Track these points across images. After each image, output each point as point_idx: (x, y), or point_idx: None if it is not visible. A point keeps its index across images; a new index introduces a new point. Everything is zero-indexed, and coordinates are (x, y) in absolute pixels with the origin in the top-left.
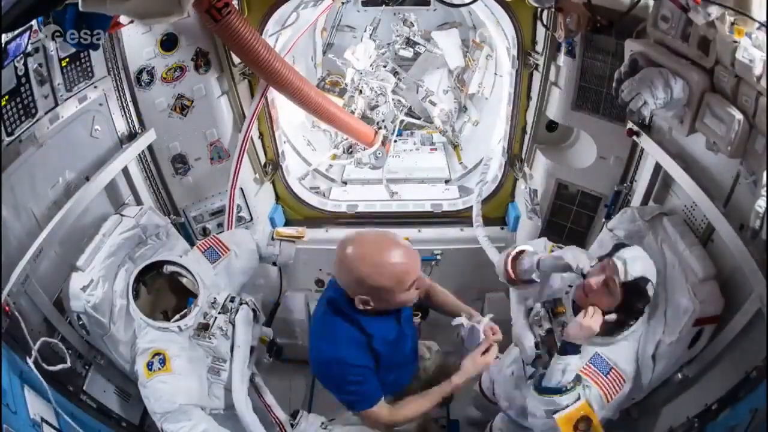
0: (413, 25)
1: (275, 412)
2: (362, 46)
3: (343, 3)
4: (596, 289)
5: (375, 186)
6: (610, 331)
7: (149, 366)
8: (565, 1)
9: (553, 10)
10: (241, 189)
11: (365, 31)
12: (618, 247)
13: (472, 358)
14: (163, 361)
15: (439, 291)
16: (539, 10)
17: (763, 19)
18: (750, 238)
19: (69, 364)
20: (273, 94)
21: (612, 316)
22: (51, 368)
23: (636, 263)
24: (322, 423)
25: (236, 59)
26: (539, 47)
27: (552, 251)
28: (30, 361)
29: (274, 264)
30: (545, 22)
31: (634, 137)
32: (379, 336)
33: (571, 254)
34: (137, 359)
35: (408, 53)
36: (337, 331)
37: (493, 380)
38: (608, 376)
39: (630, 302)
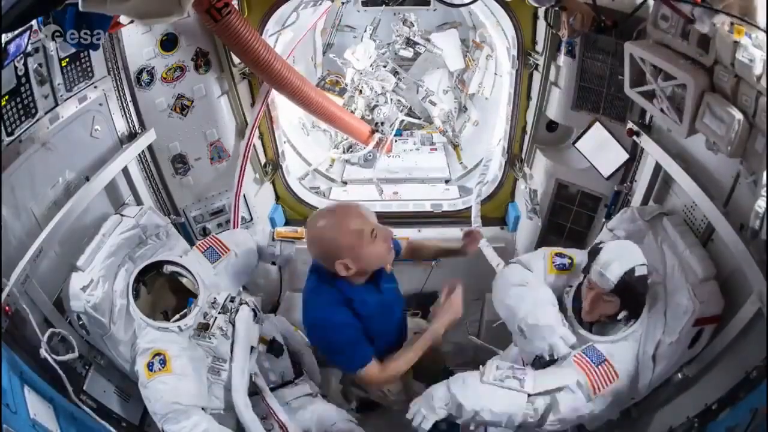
0: (413, 25)
1: (278, 414)
2: (362, 47)
3: (343, 3)
4: (595, 307)
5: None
6: (614, 328)
7: (149, 367)
8: (569, 0)
9: (556, 9)
10: (242, 189)
11: (365, 31)
12: (591, 254)
13: (441, 306)
14: (163, 362)
15: (422, 243)
16: (543, 9)
17: (764, 21)
18: (750, 238)
19: (77, 353)
20: (273, 94)
21: (623, 314)
22: (60, 358)
23: (612, 266)
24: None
25: (236, 59)
26: (539, 47)
27: (553, 259)
28: (42, 351)
29: (274, 263)
30: (549, 21)
31: (634, 137)
32: (358, 299)
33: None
34: (137, 359)
35: (408, 53)
36: (321, 295)
37: None
38: (600, 366)
39: (629, 296)
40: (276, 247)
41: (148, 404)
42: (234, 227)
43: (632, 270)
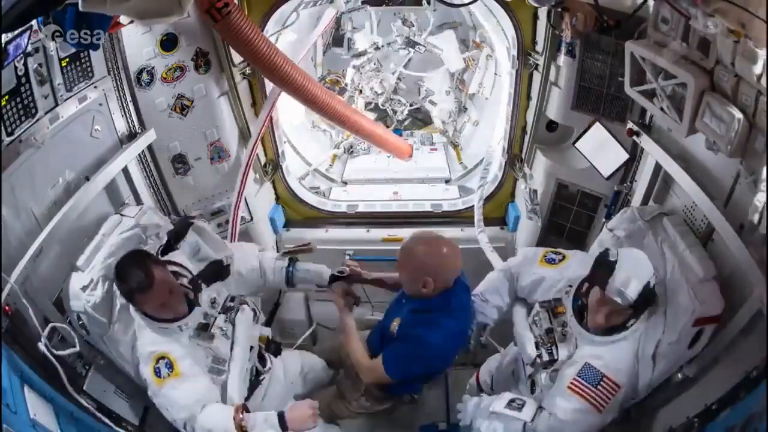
0: (413, 25)
1: None
2: (362, 34)
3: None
4: (609, 320)
5: (375, 186)
6: (610, 330)
7: (157, 372)
8: (571, 0)
9: (559, 10)
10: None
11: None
12: (600, 264)
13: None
14: (169, 365)
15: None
16: (546, 10)
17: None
18: (748, 232)
19: (78, 348)
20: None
21: (632, 321)
22: (60, 352)
23: (632, 285)
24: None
25: (236, 59)
26: (539, 47)
27: (545, 254)
28: (41, 345)
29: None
30: (551, 22)
31: (634, 137)
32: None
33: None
34: (142, 367)
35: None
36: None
37: (492, 375)
38: (598, 387)
39: (642, 307)
40: (284, 261)
41: (165, 412)
42: (232, 232)
43: (648, 284)
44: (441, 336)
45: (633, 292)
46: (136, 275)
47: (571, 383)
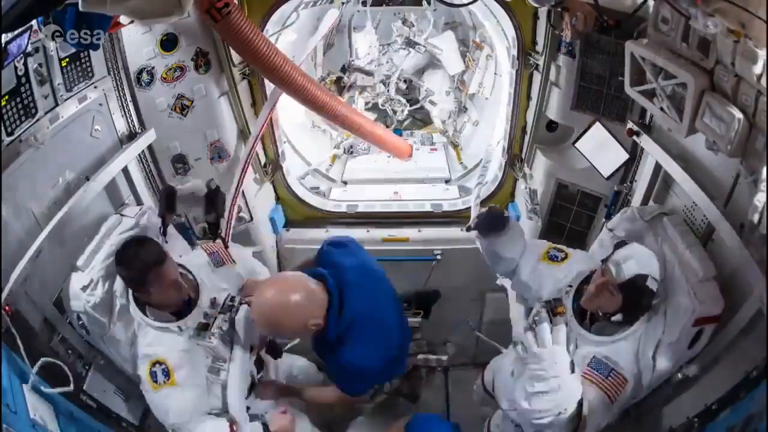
0: (413, 25)
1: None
2: (364, 33)
3: (343, 3)
4: (598, 294)
5: (375, 186)
6: (613, 328)
7: (153, 376)
8: (571, 0)
9: (559, 10)
10: (242, 189)
11: (366, 26)
12: (618, 246)
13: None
14: (166, 373)
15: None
16: (546, 10)
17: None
18: (748, 232)
19: (71, 387)
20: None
21: (618, 317)
22: (51, 391)
23: (628, 263)
24: None
25: (236, 59)
26: (539, 47)
27: (549, 250)
28: (31, 378)
29: None
30: (551, 22)
31: (634, 137)
32: None
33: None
34: (138, 364)
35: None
36: None
37: (494, 374)
38: (609, 378)
39: (633, 300)
40: None
41: (156, 412)
42: (226, 232)
43: (646, 277)
44: (362, 351)
45: (629, 268)
46: (152, 250)
47: (584, 373)
